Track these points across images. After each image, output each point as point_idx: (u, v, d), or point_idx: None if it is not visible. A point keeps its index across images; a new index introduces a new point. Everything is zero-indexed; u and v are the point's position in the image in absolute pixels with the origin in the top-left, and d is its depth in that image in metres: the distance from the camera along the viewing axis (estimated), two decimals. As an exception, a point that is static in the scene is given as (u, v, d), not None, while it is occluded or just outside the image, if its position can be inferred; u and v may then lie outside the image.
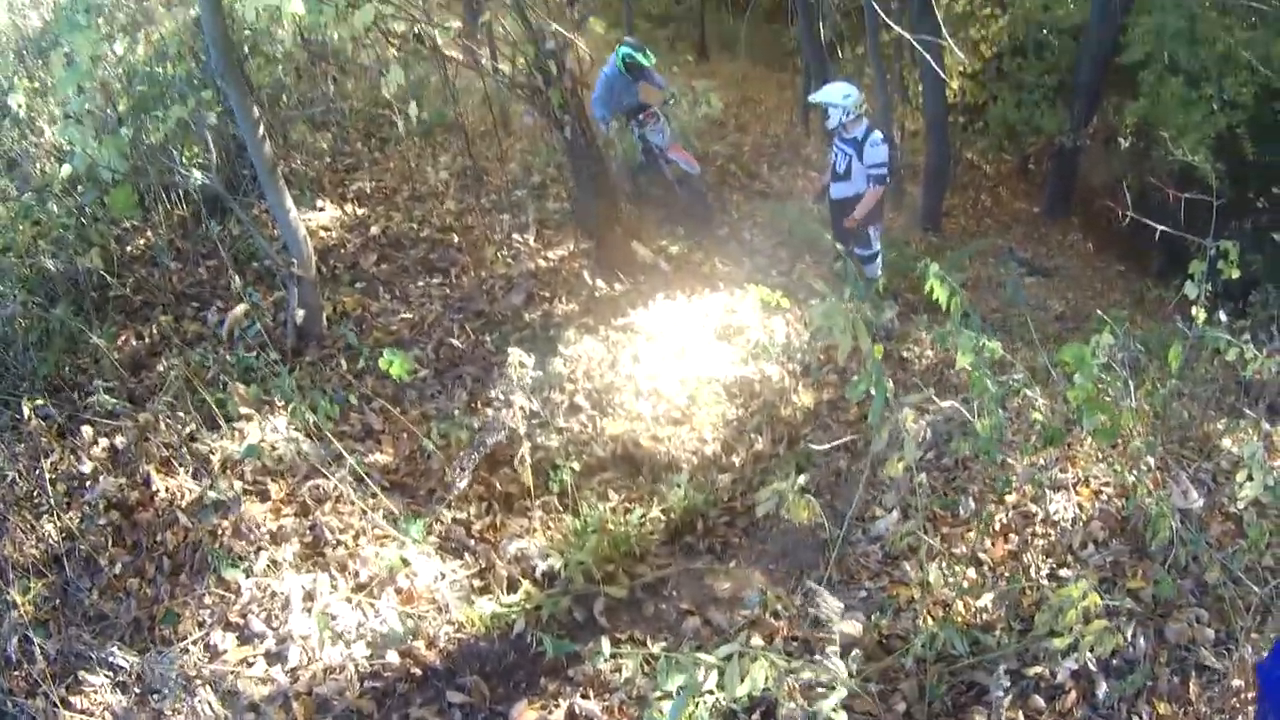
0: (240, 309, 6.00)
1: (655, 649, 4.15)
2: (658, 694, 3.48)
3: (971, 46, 14.69)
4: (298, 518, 4.98)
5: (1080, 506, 5.06)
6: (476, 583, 4.83)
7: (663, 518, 5.31)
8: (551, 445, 5.62)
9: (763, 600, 4.55)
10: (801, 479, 3.85)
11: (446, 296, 7.07)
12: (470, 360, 6.50)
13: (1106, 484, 5.18)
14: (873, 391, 3.35)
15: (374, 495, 5.07)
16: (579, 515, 5.14)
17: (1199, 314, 4.74)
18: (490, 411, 5.84)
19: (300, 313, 6.19)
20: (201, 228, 7.12)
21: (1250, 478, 4.05)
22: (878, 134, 7.70)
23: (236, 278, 6.16)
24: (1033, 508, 5.16)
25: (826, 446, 5.69)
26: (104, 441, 5.25)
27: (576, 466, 5.53)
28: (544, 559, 4.85)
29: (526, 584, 4.77)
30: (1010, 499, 5.25)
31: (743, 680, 3.06)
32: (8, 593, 4.49)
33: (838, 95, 7.59)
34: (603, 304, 7.34)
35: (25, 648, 4.29)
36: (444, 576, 4.81)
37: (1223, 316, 4.89)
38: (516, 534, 5.13)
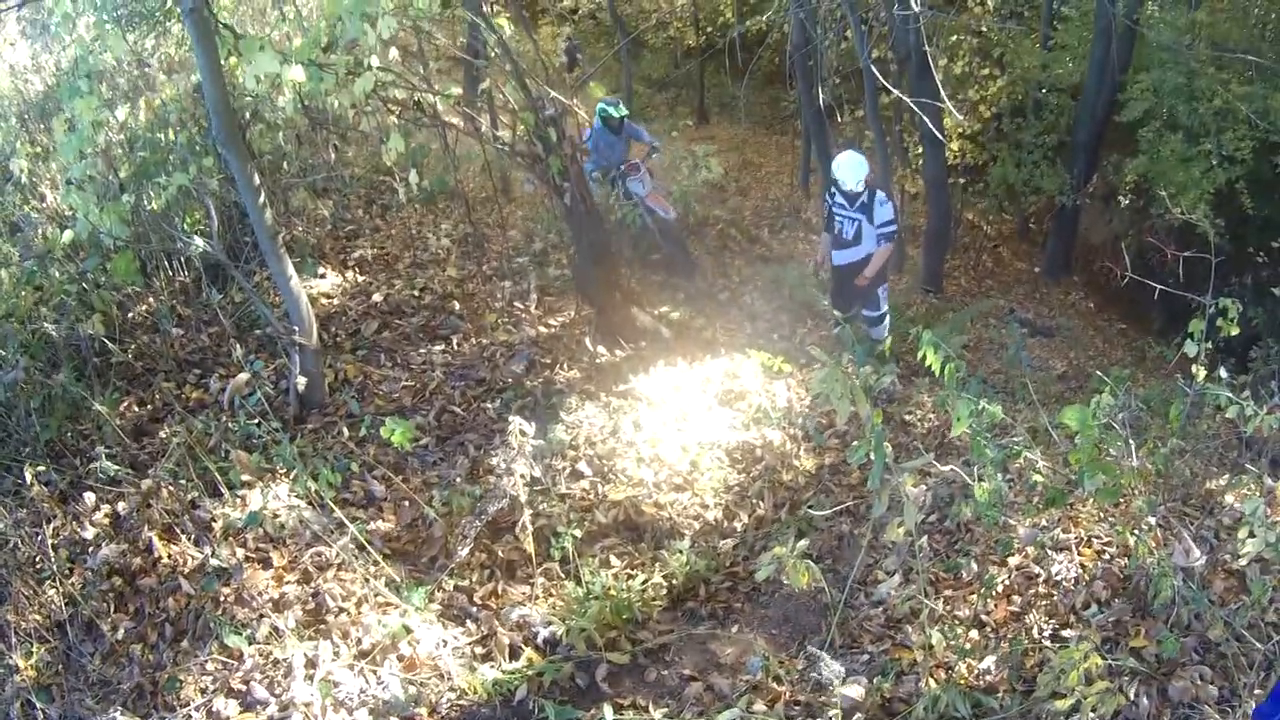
0: (242, 378, 6.14)
1: (658, 715, 4.25)
2: (661, 761, 3.57)
3: (970, 108, 15.01)
4: (300, 585, 5.08)
5: (1083, 567, 5.11)
6: (478, 650, 4.92)
7: (665, 584, 5.41)
8: (553, 512, 5.73)
9: (765, 665, 4.62)
10: (802, 544, 3.98)
11: (448, 364, 7.25)
12: (472, 427, 6.66)
13: (1109, 544, 5.23)
14: (873, 457, 3.48)
15: (376, 563, 5.17)
16: (581, 582, 5.23)
17: (1199, 372, 4.85)
18: (492, 479, 5.97)
19: (302, 380, 6.34)
20: (203, 295, 7.31)
21: (1252, 534, 4.13)
22: (881, 193, 8.20)
23: (238, 346, 6.33)
24: (1035, 569, 5.21)
25: (828, 511, 5.82)
26: (106, 508, 5.38)
27: (578, 533, 5.63)
28: (546, 626, 4.95)
29: (529, 651, 4.87)
30: (1013, 561, 5.29)
31: (745, 747, 3.17)
32: (10, 657, 4.58)
33: (864, 166, 8.14)
34: (604, 370, 7.54)
35: (28, 712, 4.38)
36: (446, 644, 4.90)
37: (1223, 373, 4.97)
38: (518, 601, 5.23)
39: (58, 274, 6.99)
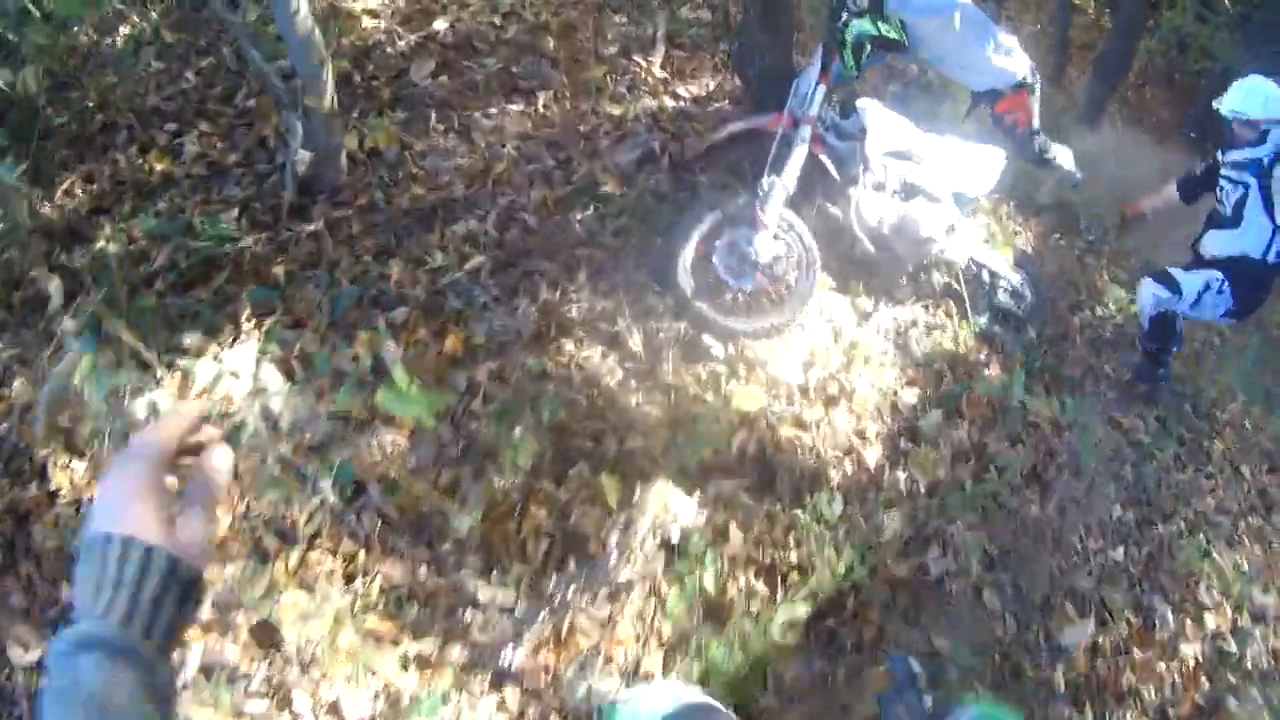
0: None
1: None
2: None
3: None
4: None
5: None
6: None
7: (810, 600, 2.99)
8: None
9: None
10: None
11: (526, 135, 4.45)
12: (545, 249, 3.98)
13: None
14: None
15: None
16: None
17: None
18: (566, 356, 3.49)
19: (304, 156, 3.82)
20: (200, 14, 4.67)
21: None
22: None
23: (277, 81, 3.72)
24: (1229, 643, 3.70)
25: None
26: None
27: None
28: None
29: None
30: (1209, 620, 3.79)
31: None
32: None
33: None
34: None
35: None
36: None
37: None
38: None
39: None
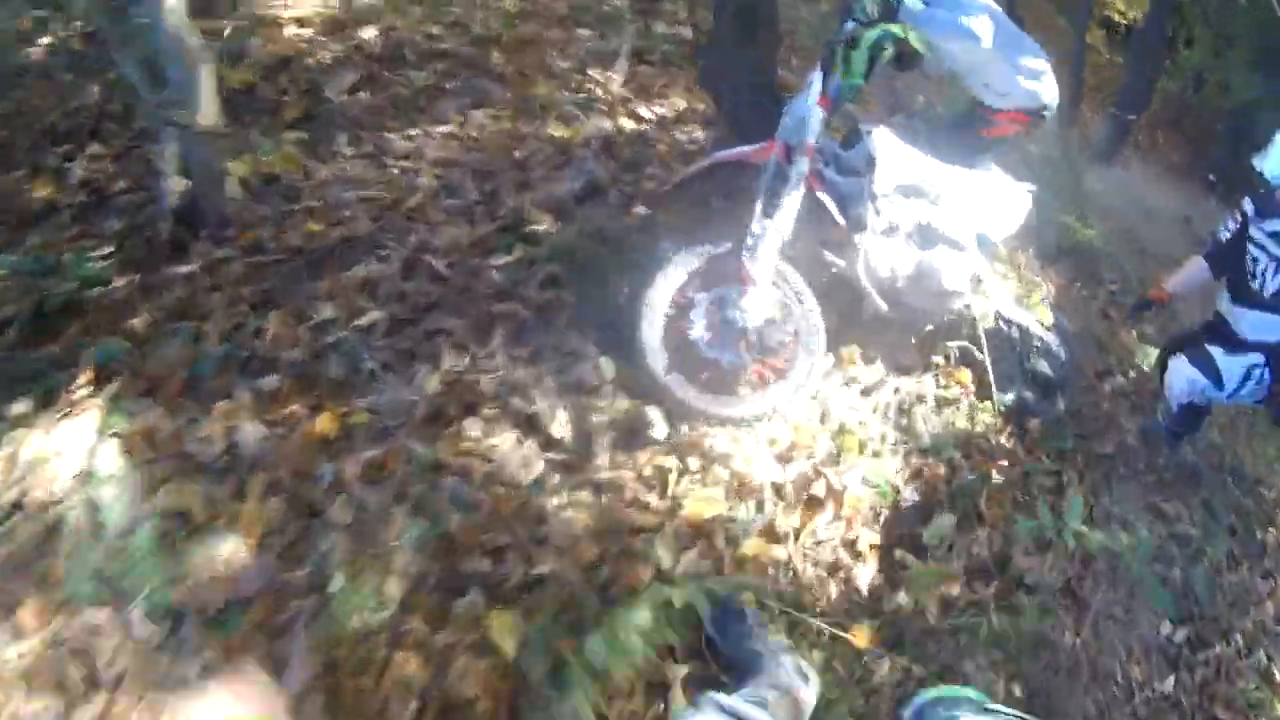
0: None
1: None
2: None
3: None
4: None
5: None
6: None
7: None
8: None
9: None
10: None
11: (450, 161, 3.69)
12: (455, 303, 3.21)
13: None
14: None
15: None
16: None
17: None
18: (476, 434, 2.79)
19: (178, 184, 3.17)
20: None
21: None
22: None
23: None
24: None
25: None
26: None
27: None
28: None
29: None
30: None
31: None
32: None
33: None
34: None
35: None
36: None
37: None
38: None
39: None
